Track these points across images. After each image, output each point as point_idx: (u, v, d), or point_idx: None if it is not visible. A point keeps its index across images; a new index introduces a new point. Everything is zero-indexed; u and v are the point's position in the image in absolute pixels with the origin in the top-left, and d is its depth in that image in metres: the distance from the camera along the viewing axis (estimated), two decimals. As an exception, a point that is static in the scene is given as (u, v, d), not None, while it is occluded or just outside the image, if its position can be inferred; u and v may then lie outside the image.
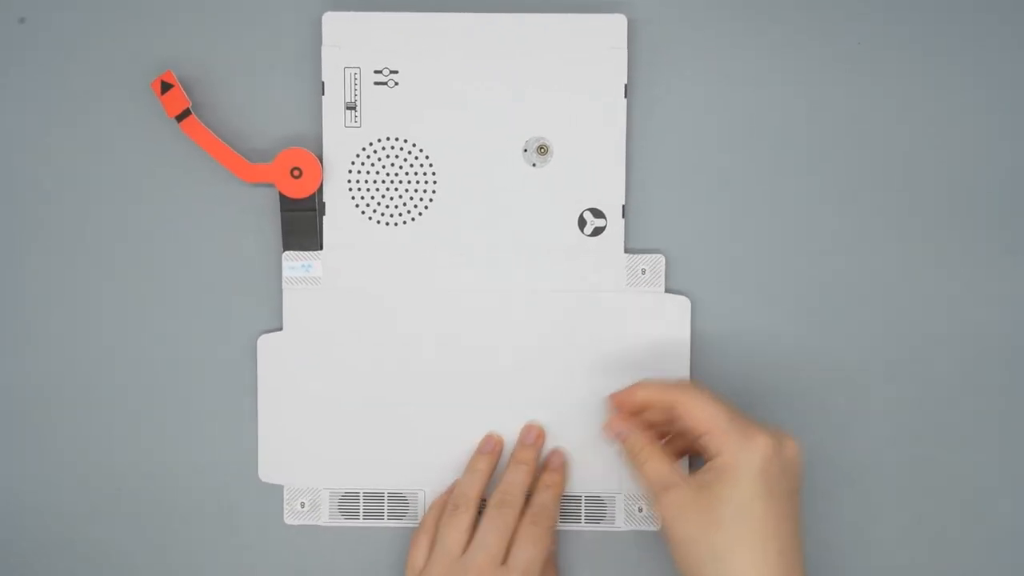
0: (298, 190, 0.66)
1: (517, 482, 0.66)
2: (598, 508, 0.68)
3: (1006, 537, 0.69)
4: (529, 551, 0.63)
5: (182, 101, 0.65)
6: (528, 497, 0.66)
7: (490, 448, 0.67)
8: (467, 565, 0.63)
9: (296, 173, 0.65)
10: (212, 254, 0.68)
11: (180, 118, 0.65)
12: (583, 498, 0.68)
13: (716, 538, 0.58)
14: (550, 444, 0.68)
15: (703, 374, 0.68)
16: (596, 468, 0.68)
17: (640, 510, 0.68)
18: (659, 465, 0.62)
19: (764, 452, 0.59)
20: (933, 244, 0.68)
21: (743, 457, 0.59)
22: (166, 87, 0.65)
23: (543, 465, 0.68)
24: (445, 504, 0.66)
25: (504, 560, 0.63)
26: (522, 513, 0.65)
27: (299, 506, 0.68)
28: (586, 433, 0.68)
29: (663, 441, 0.65)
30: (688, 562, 0.59)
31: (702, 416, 0.60)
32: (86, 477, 0.68)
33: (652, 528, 0.68)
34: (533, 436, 0.67)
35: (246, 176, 0.66)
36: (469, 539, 0.64)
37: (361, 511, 0.68)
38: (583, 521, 0.68)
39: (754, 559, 0.57)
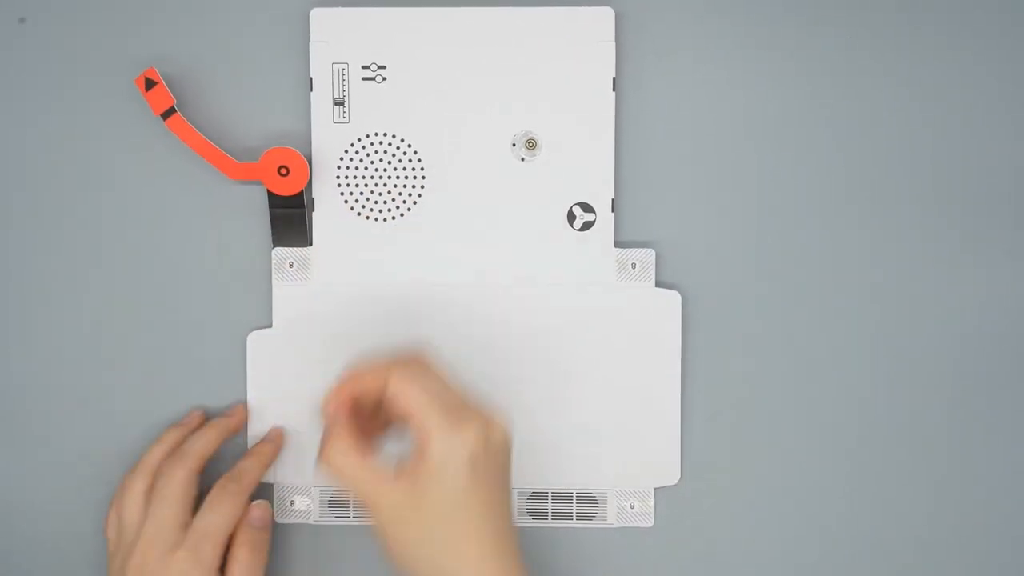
0: (286, 187, 0.65)
1: (246, 468, 0.65)
2: (590, 505, 0.67)
3: (1009, 537, 0.68)
4: (211, 514, 0.62)
5: (167, 99, 0.65)
6: None
7: (234, 423, 0.67)
8: (147, 526, 0.62)
9: (283, 171, 0.65)
10: (201, 251, 0.68)
11: (166, 116, 0.65)
12: (575, 495, 0.67)
13: (434, 535, 0.56)
14: (546, 439, 0.67)
15: (694, 369, 0.67)
16: (587, 464, 0.67)
17: (632, 507, 0.67)
18: (359, 466, 0.57)
19: (471, 443, 0.55)
20: (926, 236, 0.67)
21: (450, 449, 0.55)
22: (150, 84, 0.65)
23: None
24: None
25: None
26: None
27: (289, 504, 0.68)
28: (577, 428, 0.67)
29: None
30: (408, 561, 0.57)
31: (409, 398, 0.56)
32: (74, 475, 0.68)
33: (645, 525, 0.68)
34: (274, 434, 0.67)
35: (233, 174, 0.65)
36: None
37: (351, 509, 0.68)
38: (575, 518, 0.67)
39: (471, 553, 0.56)
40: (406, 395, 0.56)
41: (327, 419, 0.59)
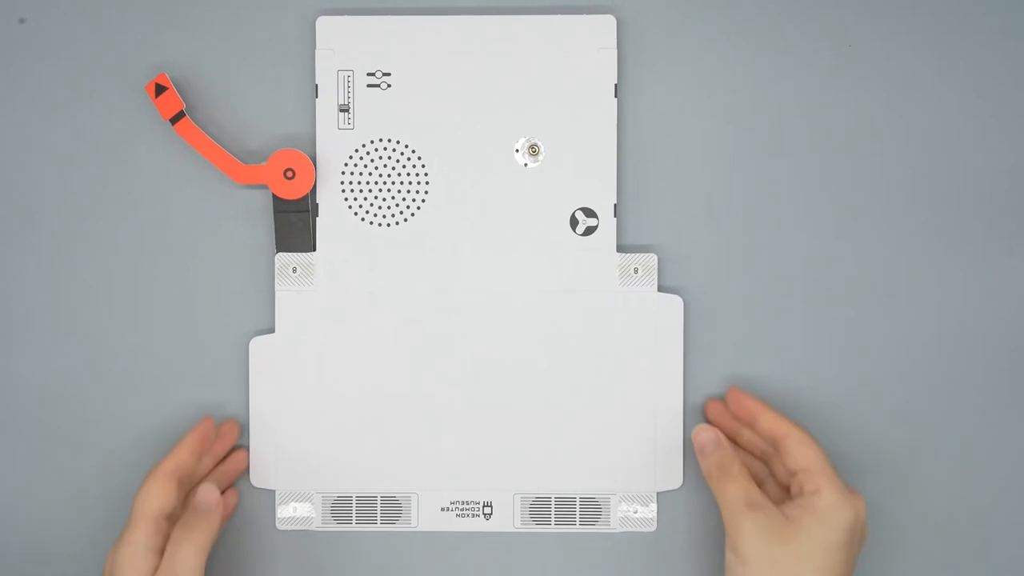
0: (291, 191, 0.66)
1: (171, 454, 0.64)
2: (592, 509, 0.67)
3: (1013, 538, 0.68)
4: (138, 499, 0.62)
5: (176, 103, 0.66)
6: None
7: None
8: None
9: (289, 174, 0.66)
10: (204, 256, 0.68)
11: (174, 120, 0.66)
12: (577, 499, 0.67)
13: (795, 568, 0.59)
14: (548, 443, 0.67)
15: (696, 374, 0.68)
16: (590, 469, 0.67)
17: (635, 512, 0.67)
18: (747, 484, 0.62)
19: (860, 511, 0.61)
20: (929, 240, 0.68)
21: (843, 507, 0.60)
22: (160, 90, 0.66)
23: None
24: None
25: None
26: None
27: (291, 511, 0.67)
28: (580, 433, 0.67)
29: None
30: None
31: (811, 454, 0.62)
32: (75, 480, 0.68)
33: (647, 530, 0.67)
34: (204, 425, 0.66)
35: (239, 177, 0.66)
36: None
37: (354, 515, 0.67)
38: (577, 523, 0.67)
39: None
40: (809, 447, 0.62)
41: (708, 445, 0.64)
